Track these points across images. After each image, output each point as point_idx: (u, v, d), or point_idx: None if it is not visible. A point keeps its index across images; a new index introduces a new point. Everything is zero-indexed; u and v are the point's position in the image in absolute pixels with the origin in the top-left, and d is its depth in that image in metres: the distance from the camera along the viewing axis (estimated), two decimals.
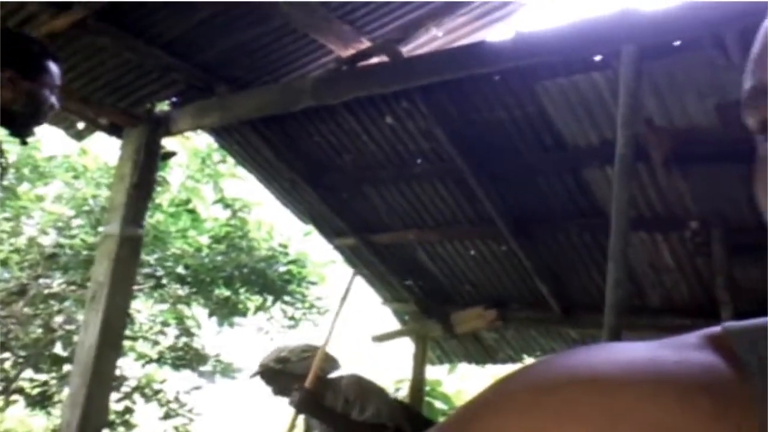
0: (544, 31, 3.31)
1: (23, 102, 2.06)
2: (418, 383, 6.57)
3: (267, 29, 3.86)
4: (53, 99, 2.12)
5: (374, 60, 3.88)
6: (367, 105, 4.45)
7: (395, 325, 6.91)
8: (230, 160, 6.42)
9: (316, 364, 3.92)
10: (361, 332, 7.27)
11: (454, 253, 5.93)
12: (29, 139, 2.33)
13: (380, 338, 7.00)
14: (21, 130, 2.15)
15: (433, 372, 7.33)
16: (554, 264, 5.38)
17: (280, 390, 4.08)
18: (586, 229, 4.91)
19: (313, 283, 7.74)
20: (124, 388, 7.57)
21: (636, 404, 0.41)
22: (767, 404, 0.41)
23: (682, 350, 0.46)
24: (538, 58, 3.39)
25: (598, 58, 3.50)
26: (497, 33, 3.76)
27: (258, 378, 4.14)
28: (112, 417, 7.08)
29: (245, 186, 7.25)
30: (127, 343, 7.49)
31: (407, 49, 3.88)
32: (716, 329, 0.49)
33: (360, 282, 6.51)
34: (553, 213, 4.90)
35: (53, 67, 2.12)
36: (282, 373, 4.03)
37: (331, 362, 4.17)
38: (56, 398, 7.38)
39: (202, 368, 7.97)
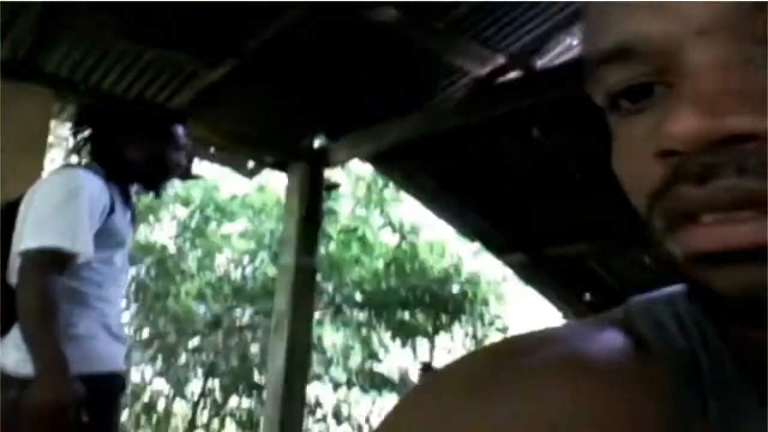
0: None
1: (149, 160, 2.35)
2: None
3: (404, 57, 3.97)
4: (178, 157, 2.39)
5: (511, 75, 3.88)
6: (512, 120, 4.42)
7: None
8: (393, 185, 6.60)
9: None
10: None
11: (629, 264, 5.70)
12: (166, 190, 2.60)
13: None
14: (151, 185, 2.44)
15: None
16: None
17: None
18: None
19: (486, 302, 7.72)
20: (320, 412, 7.92)
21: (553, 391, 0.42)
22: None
23: (595, 332, 0.47)
24: None
25: None
26: None
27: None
28: None
29: (411, 209, 7.40)
30: (319, 369, 7.88)
31: (544, 61, 3.84)
32: (623, 307, 0.50)
33: (538, 298, 6.45)
34: None
35: (177, 129, 2.40)
36: None
37: None
38: (262, 422, 7.86)
39: (402, 392, 8.17)
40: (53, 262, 2.06)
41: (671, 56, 0.38)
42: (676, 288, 0.49)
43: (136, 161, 2.33)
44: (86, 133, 2.40)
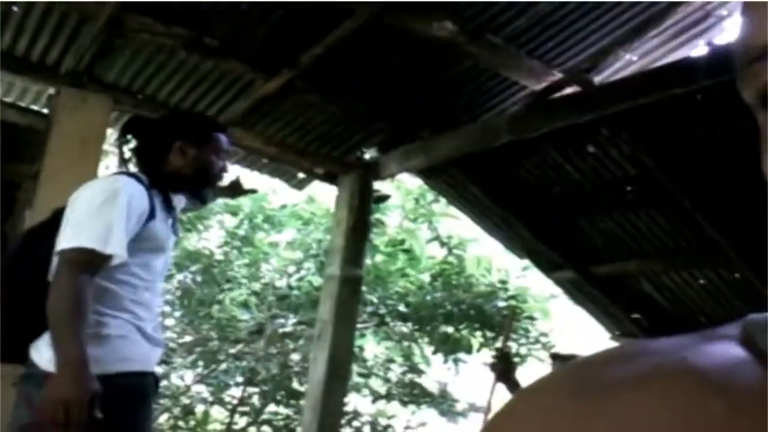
0: None
1: (192, 167, 2.37)
2: None
3: (458, 72, 3.96)
4: (221, 163, 2.43)
5: (567, 91, 3.83)
6: (566, 135, 4.38)
7: None
8: (443, 199, 6.58)
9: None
10: None
11: (682, 283, 5.59)
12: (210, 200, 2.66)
13: None
14: (195, 192, 2.47)
15: None
16: None
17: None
18: None
19: (533, 318, 7.64)
20: (356, 423, 7.90)
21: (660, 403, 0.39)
22: None
23: (708, 346, 0.42)
24: None
25: None
26: (696, 50, 3.57)
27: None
28: None
29: (460, 223, 7.37)
30: (359, 380, 7.86)
31: (602, 77, 3.80)
32: (738, 323, 0.47)
33: (586, 316, 6.37)
34: None
35: (219, 137, 2.42)
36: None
37: None
38: (299, 430, 7.87)
39: (441, 406, 8.10)
40: (85, 263, 2.10)
41: None
42: None
43: (179, 169, 2.37)
44: (131, 143, 2.46)
